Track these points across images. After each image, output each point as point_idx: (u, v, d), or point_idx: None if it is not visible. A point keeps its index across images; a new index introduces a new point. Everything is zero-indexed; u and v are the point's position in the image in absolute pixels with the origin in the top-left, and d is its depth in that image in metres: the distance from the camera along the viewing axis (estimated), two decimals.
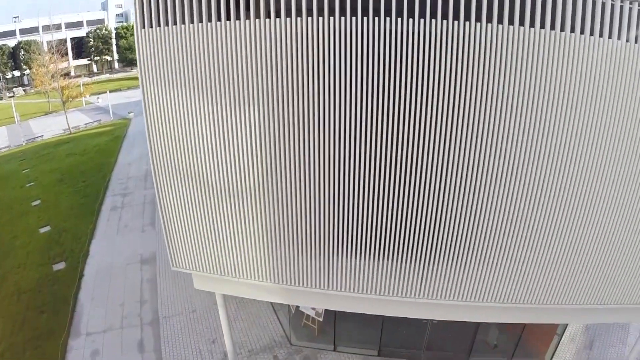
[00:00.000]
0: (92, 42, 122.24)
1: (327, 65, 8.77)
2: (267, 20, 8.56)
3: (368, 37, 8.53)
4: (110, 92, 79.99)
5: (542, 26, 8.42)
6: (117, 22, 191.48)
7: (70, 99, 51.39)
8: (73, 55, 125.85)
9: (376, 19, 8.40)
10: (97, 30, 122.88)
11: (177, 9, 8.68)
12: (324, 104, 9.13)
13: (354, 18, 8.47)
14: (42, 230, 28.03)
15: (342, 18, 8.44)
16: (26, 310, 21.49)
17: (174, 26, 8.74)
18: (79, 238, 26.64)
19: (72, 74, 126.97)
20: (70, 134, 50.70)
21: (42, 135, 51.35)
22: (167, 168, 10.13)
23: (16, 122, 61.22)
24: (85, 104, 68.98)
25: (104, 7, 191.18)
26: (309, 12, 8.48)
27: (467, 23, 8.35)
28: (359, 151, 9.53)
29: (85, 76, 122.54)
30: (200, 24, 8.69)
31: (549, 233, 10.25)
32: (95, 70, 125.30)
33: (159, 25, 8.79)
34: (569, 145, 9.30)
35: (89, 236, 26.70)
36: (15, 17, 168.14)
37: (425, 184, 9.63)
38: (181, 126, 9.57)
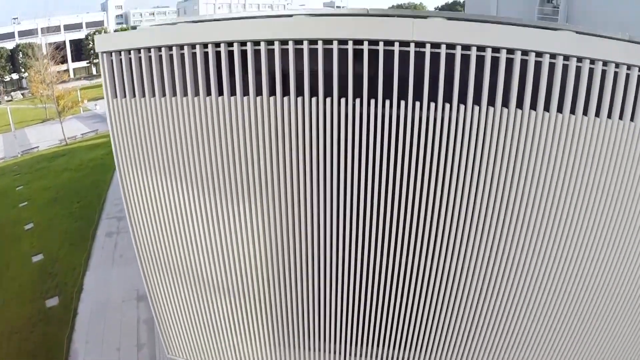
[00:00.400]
0: (91, 45, 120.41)
1: (322, 150, 7.21)
2: (261, 98, 6.98)
3: (362, 120, 7.09)
4: None
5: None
6: (117, 24, 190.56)
7: (66, 109, 49.43)
8: (72, 58, 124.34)
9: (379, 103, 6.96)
10: (96, 33, 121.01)
11: (154, 80, 7.10)
12: (322, 207, 7.60)
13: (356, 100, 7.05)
14: (35, 259, 26.62)
15: (352, 100, 6.94)
16: (17, 354, 20.09)
17: (152, 98, 7.16)
18: (73, 269, 25.19)
19: (72, 76, 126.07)
20: (67, 144, 49.21)
21: (38, 147, 49.80)
22: (154, 258, 8.66)
23: (12, 131, 59.75)
24: (83, 111, 67.44)
25: (104, 8, 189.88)
26: (313, 93, 6.91)
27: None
28: (354, 253, 8.04)
29: (84, 79, 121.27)
30: (184, 98, 7.08)
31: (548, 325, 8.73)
32: (94, 72, 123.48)
33: (134, 96, 7.22)
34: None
35: (83, 267, 25.26)
36: (14, 19, 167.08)
37: (419, 281, 8.10)
38: (165, 215, 8.04)
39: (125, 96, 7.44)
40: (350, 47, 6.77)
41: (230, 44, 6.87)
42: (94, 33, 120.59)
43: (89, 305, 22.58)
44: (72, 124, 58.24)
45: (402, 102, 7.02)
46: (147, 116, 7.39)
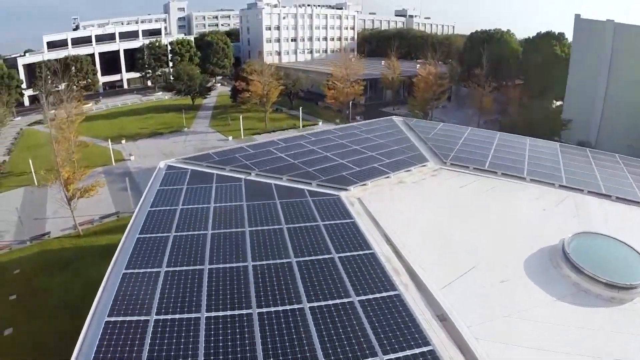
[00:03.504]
0: (144, 59, 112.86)
1: None
2: None
3: None
4: (149, 136, 69.64)
5: None
6: (179, 27, 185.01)
7: (77, 196, 39.61)
8: (126, 68, 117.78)
9: None
10: (150, 45, 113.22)
11: None
12: None
13: None
14: None
15: None
16: None
17: None
18: None
19: (125, 86, 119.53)
20: (79, 235, 40.01)
21: (49, 233, 40.83)
22: None
23: (35, 185, 51.72)
24: (115, 161, 58.63)
25: (166, 10, 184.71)
26: None
27: None
28: None
29: (137, 92, 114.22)
30: None
31: None
32: (149, 84, 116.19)
33: None
34: None
35: None
36: (74, 18, 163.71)
37: None
38: None
39: None
40: None
41: None
42: (149, 44, 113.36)
43: None
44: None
45: None
46: None
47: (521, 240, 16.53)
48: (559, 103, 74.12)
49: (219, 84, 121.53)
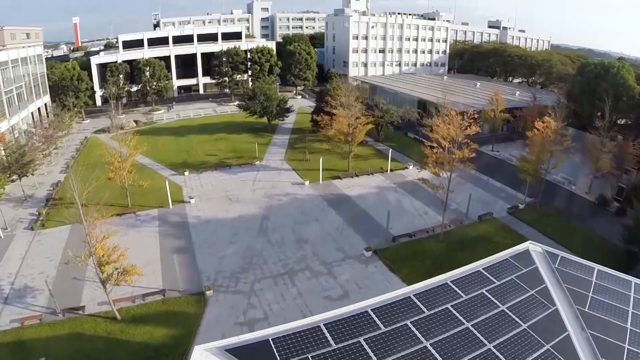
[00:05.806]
0: (221, 67, 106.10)
1: None
2: None
3: None
4: (215, 167, 61.72)
5: None
6: (262, 27, 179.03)
7: (114, 280, 31.43)
8: (203, 72, 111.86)
9: None
10: (228, 51, 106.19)
11: None
12: None
13: None
14: None
15: None
16: None
17: None
18: None
19: (201, 91, 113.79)
20: (116, 319, 32.35)
21: (84, 308, 33.51)
22: None
23: (83, 223, 44.64)
24: (173, 203, 50.85)
25: (249, 9, 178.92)
26: None
27: None
28: None
29: (211, 99, 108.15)
30: None
31: None
32: (226, 91, 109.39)
33: None
34: None
35: None
36: (155, 14, 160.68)
37: None
38: None
39: None
40: None
41: None
42: (227, 51, 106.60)
43: None
44: (140, 238, 42.15)
45: None
46: None
47: None
48: None
49: (299, 96, 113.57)
